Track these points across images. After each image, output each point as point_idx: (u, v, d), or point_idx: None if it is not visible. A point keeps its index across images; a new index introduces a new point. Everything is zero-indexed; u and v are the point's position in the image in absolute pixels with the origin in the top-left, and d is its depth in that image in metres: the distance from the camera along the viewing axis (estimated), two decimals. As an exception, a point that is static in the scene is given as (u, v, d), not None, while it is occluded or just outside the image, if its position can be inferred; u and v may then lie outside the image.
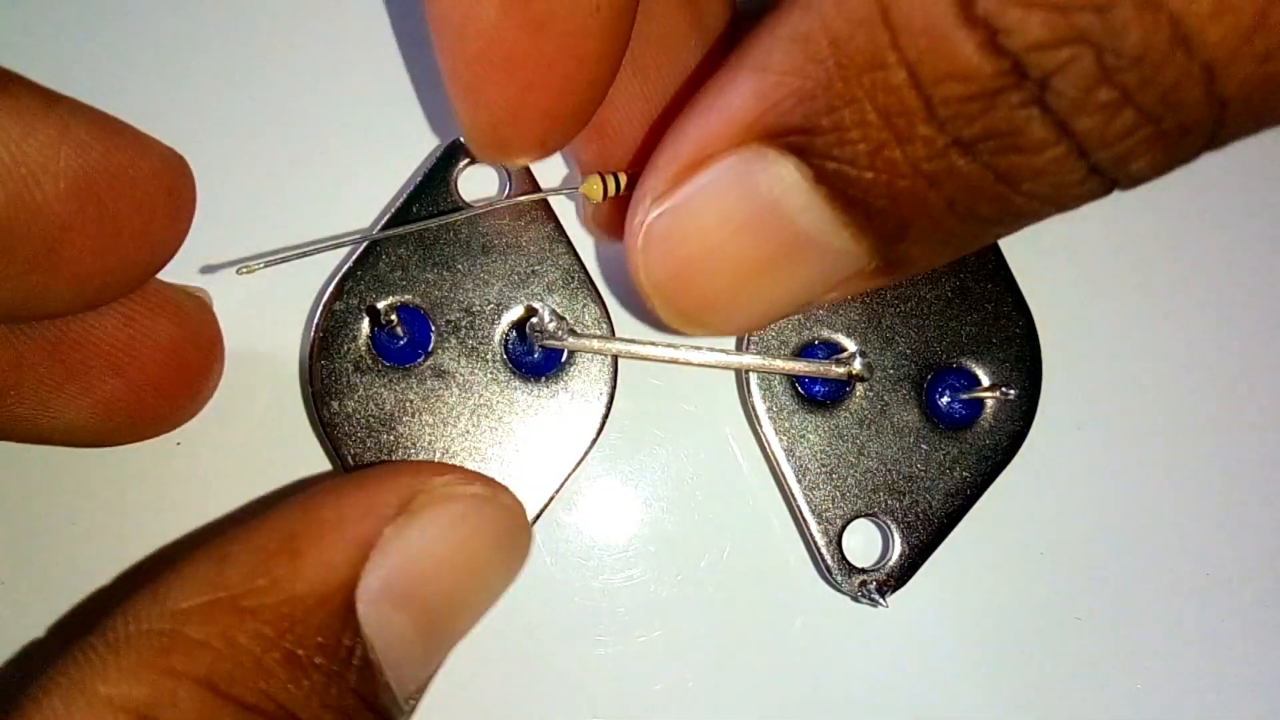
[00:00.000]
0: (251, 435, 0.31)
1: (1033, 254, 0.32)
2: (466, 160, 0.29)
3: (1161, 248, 0.34)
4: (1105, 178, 0.19)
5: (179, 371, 0.28)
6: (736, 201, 0.21)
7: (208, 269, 0.30)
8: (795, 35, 0.19)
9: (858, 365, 0.27)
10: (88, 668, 0.19)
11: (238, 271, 0.26)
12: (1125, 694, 0.33)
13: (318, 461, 0.31)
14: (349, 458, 0.29)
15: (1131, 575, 0.33)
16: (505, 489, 0.23)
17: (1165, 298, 0.34)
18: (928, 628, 0.32)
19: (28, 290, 0.21)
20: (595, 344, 0.27)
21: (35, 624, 0.30)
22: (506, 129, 0.23)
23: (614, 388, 0.29)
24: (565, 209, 0.30)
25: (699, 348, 0.27)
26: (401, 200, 0.29)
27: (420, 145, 0.31)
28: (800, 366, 0.27)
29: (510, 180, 0.29)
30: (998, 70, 0.17)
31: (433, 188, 0.29)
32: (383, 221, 0.29)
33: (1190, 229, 0.35)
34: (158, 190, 0.23)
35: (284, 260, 0.26)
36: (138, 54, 0.31)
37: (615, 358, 0.29)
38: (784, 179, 0.20)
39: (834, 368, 0.28)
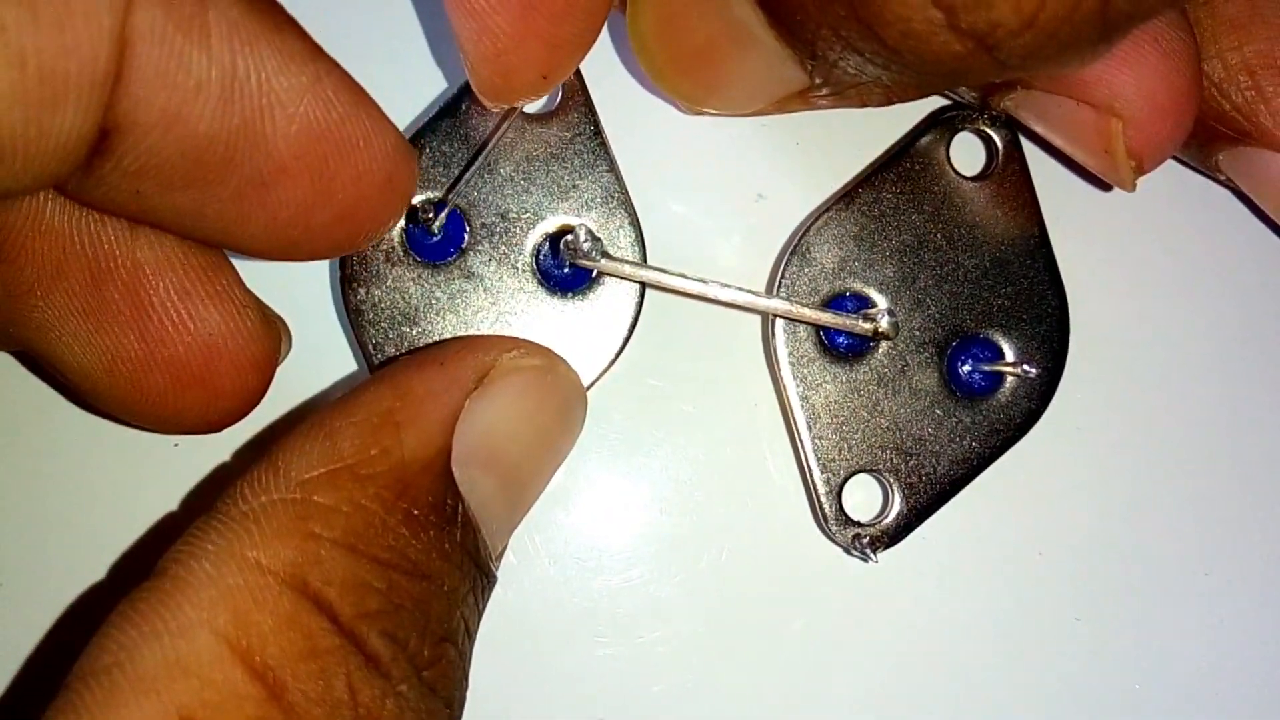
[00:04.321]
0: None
1: (1074, 248, 0.31)
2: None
3: (1201, 257, 0.34)
4: (970, 35, 0.19)
5: (199, 375, 0.26)
6: None
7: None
8: None
9: (884, 323, 0.27)
10: (229, 535, 0.20)
11: None
12: (1123, 695, 0.33)
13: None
14: (369, 346, 0.29)
15: (1129, 576, 0.33)
16: (562, 360, 0.26)
17: (1183, 305, 0.34)
18: (926, 630, 0.32)
19: (231, 216, 0.22)
20: (627, 269, 0.27)
21: (34, 626, 0.30)
22: (511, 56, 0.24)
23: (638, 314, 0.29)
24: (614, 128, 0.30)
25: (728, 285, 0.27)
26: (453, 93, 0.29)
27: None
28: (827, 318, 0.27)
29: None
30: None
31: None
32: (430, 116, 0.29)
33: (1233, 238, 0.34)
34: (379, 173, 0.23)
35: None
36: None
37: (644, 285, 0.29)
38: None
39: (861, 322, 0.27)
